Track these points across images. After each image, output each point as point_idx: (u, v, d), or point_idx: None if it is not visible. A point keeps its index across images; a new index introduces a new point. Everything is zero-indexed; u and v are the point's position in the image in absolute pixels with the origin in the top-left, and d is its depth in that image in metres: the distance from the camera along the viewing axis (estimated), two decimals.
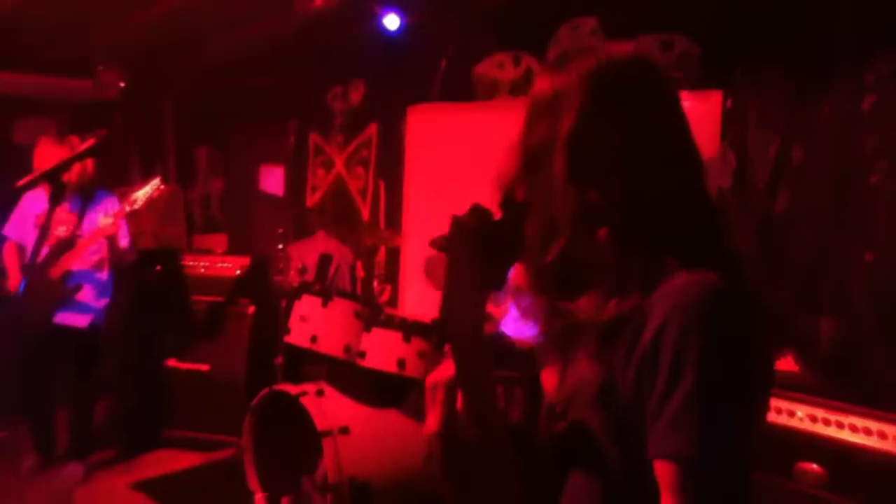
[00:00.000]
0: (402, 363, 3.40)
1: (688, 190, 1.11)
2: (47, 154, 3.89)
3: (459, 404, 1.15)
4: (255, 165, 6.07)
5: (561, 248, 1.08)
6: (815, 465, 2.39)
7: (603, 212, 1.07)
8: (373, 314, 3.62)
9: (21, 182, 2.17)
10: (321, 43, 5.02)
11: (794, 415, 2.47)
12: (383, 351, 3.45)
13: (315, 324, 3.64)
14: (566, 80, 1.12)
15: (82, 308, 4.11)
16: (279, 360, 4.18)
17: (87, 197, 4.15)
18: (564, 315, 1.11)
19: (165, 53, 5.42)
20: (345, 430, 3.28)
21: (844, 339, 3.04)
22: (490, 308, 2.65)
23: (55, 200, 2.35)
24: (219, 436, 4.53)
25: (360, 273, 4.91)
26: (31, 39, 4.93)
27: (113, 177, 5.94)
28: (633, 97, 1.10)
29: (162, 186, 4.06)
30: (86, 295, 4.12)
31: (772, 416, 2.49)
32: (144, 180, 4.28)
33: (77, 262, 4.05)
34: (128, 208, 3.97)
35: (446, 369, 1.15)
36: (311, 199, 5.61)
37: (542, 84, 1.16)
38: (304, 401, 3.34)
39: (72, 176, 4.02)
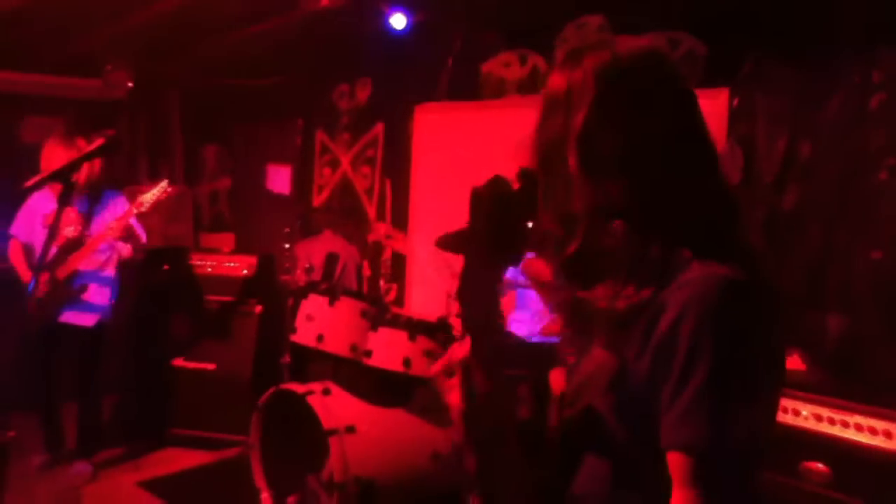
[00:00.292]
0: (407, 362, 3.41)
1: (701, 182, 1.11)
2: (54, 154, 3.91)
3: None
4: (262, 164, 6.08)
5: (581, 237, 1.10)
6: (820, 464, 2.39)
7: (617, 204, 1.08)
8: (379, 313, 3.63)
9: (29, 182, 2.19)
10: (328, 42, 5.03)
11: (799, 414, 2.46)
12: (389, 350, 3.45)
13: (321, 323, 3.65)
14: (579, 76, 1.12)
15: (89, 307, 4.13)
16: (286, 359, 4.19)
17: (95, 197, 4.17)
18: (581, 306, 1.12)
19: (173, 52, 5.44)
20: (351, 429, 3.29)
21: (851, 336, 3.03)
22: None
23: (63, 200, 2.36)
24: (225, 435, 4.55)
25: (367, 272, 4.92)
26: (38, 39, 4.95)
27: (120, 176, 5.98)
28: (645, 91, 1.10)
29: (169, 189, 4.07)
30: (93, 294, 4.14)
31: (777, 415, 2.48)
32: (152, 181, 4.30)
33: (84, 262, 4.07)
34: (135, 210, 3.98)
35: (460, 349, 1.17)
36: (318, 199, 5.62)
37: (556, 80, 1.17)
38: (311, 400, 3.35)
39: (80, 176, 4.04)
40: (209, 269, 5.03)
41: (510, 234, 1.12)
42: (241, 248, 5.76)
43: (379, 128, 5.17)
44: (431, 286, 4.48)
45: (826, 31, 3.09)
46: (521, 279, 3.34)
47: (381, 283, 4.50)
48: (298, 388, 3.47)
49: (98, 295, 4.16)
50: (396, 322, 3.51)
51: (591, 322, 1.13)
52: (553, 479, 1.18)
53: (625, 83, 1.10)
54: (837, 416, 2.41)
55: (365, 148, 5.26)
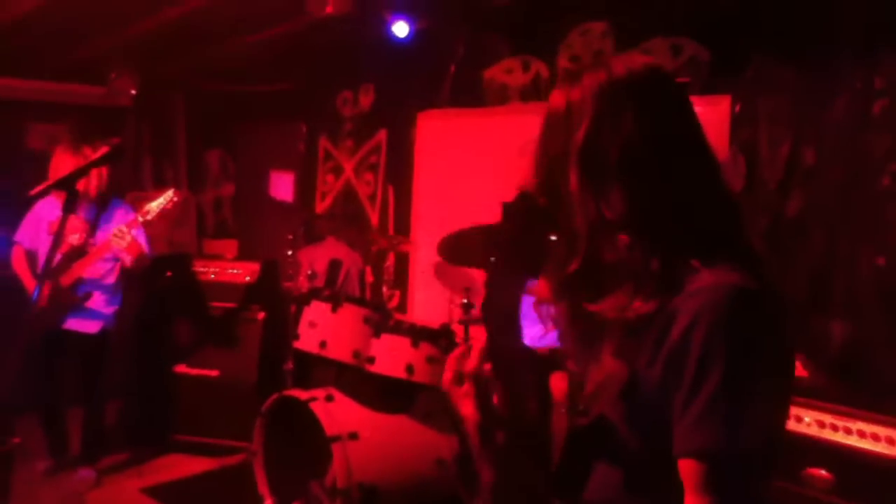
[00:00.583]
0: (410, 369, 3.41)
1: (704, 190, 1.12)
2: (63, 163, 3.92)
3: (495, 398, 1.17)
4: (265, 171, 6.10)
5: (582, 255, 1.11)
6: (823, 471, 2.38)
7: (620, 217, 1.10)
8: (382, 320, 3.63)
9: (35, 190, 2.20)
10: (331, 49, 5.04)
11: (802, 420, 2.46)
12: (392, 356, 3.46)
13: (324, 329, 3.65)
14: (578, 94, 1.15)
15: (93, 314, 4.15)
16: (289, 365, 4.20)
17: (100, 205, 4.19)
18: (588, 318, 1.13)
19: (177, 59, 5.46)
20: (354, 436, 3.30)
21: (854, 342, 3.03)
22: None
23: (68, 208, 2.38)
24: (229, 441, 4.55)
25: (370, 278, 4.93)
26: (43, 46, 4.97)
27: (125, 181, 6.01)
28: (643, 104, 1.12)
29: (176, 198, 4.07)
30: (96, 301, 4.15)
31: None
32: (157, 187, 4.31)
33: (88, 270, 4.09)
34: (141, 219, 3.99)
35: (470, 361, 1.18)
36: (321, 205, 5.63)
37: (556, 99, 1.19)
38: (314, 406, 3.36)
39: (90, 185, 4.07)
40: (212, 276, 5.04)
41: (536, 247, 1.13)
42: (244, 255, 5.77)
43: (382, 134, 5.18)
44: (434, 292, 4.49)
45: (828, 37, 3.10)
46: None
47: (384, 289, 4.50)
48: (301, 394, 3.47)
49: (102, 302, 4.18)
50: (399, 328, 3.51)
51: (598, 331, 1.14)
52: (565, 487, 1.18)
53: (623, 97, 1.12)
54: (840, 423, 2.40)
55: (368, 154, 5.27)
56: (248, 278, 5.02)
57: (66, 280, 4.06)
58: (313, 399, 3.41)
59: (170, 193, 4.07)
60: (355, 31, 4.54)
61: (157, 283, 5.10)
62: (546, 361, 1.30)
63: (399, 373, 3.42)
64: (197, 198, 6.49)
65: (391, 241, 4.40)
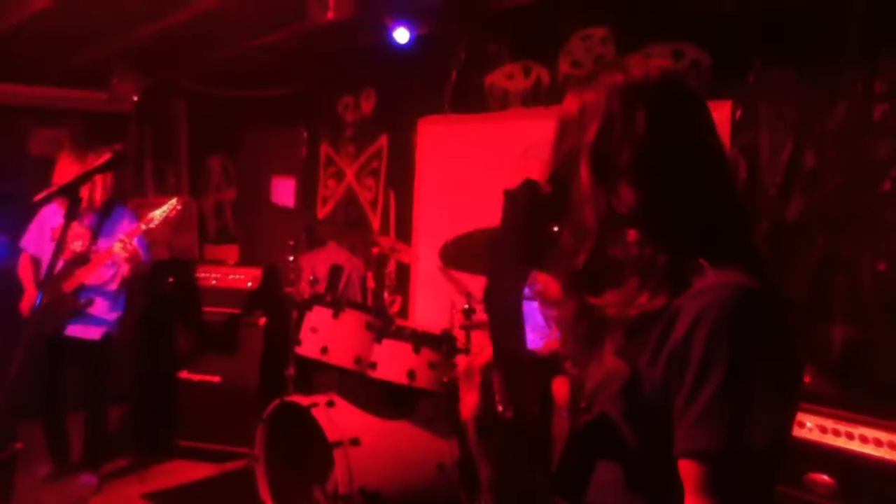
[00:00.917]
0: (412, 374, 3.41)
1: (713, 190, 1.13)
2: (67, 170, 3.94)
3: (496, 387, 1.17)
4: (267, 176, 6.10)
5: (590, 250, 1.11)
6: (825, 476, 2.38)
7: (630, 215, 1.10)
8: (383, 325, 3.63)
9: (39, 196, 2.20)
10: (333, 54, 5.06)
11: (804, 425, 2.46)
12: (394, 362, 3.46)
13: (326, 335, 3.66)
14: (591, 95, 1.16)
15: (95, 321, 4.15)
16: (290, 371, 4.20)
17: (103, 212, 4.19)
18: (592, 314, 1.13)
19: (179, 64, 5.47)
20: (356, 441, 3.30)
21: (856, 347, 3.03)
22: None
23: (71, 215, 2.38)
24: (230, 447, 4.55)
25: (371, 284, 4.93)
26: (45, 51, 4.99)
27: (128, 186, 6.02)
28: (655, 102, 1.13)
29: (179, 206, 4.09)
30: (99, 308, 4.15)
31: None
32: (159, 192, 4.31)
33: (91, 276, 4.09)
34: (143, 227, 4.00)
35: (482, 355, 1.18)
36: (322, 210, 5.64)
37: (570, 103, 1.20)
38: (315, 412, 3.36)
39: (95, 193, 4.08)
40: (214, 282, 5.05)
41: (539, 237, 1.13)
42: (245, 260, 5.78)
43: (383, 140, 5.19)
44: (436, 298, 4.48)
45: (829, 42, 3.10)
46: (528, 292, 3.34)
47: (386, 294, 4.51)
48: (303, 400, 3.48)
49: (104, 308, 4.18)
50: (401, 334, 3.52)
51: (601, 329, 1.14)
52: (565, 484, 1.18)
53: (638, 98, 1.13)
54: (843, 428, 2.40)
55: (369, 160, 5.28)
56: (249, 284, 5.02)
57: (68, 286, 4.06)
58: (315, 405, 3.41)
59: (173, 201, 4.08)
60: (357, 36, 4.55)
61: (160, 289, 5.11)
62: (548, 364, 1.30)
63: (401, 378, 3.42)
64: (199, 203, 6.50)
65: (392, 249, 4.40)
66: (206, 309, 4.94)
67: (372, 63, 4.98)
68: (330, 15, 3.80)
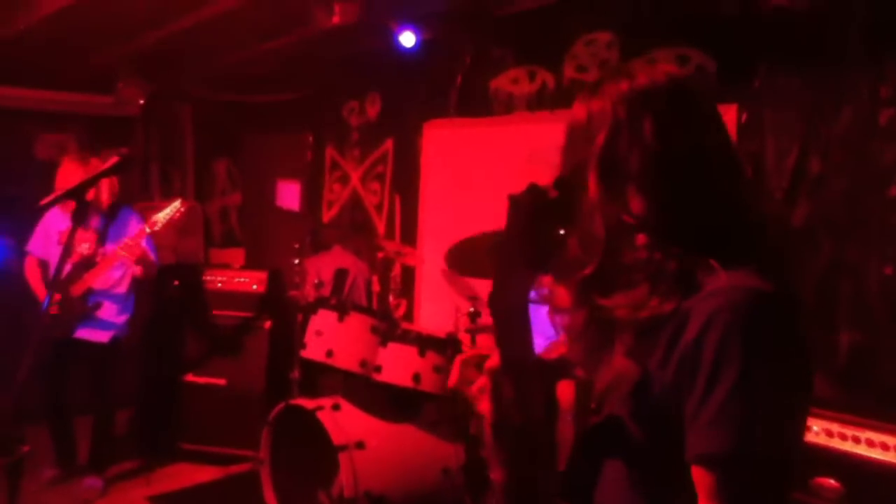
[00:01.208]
0: (417, 377, 3.41)
1: (723, 193, 1.13)
2: (70, 173, 3.95)
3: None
4: (272, 180, 6.12)
5: (600, 256, 1.11)
6: (832, 480, 2.37)
7: (638, 218, 1.10)
8: (388, 329, 3.64)
9: (45, 200, 2.22)
10: (338, 59, 5.07)
11: (810, 429, 2.45)
12: (399, 365, 3.46)
13: (331, 338, 3.66)
14: (599, 103, 1.16)
15: (103, 324, 4.16)
16: (295, 374, 4.20)
17: (110, 215, 4.21)
18: (601, 318, 1.13)
19: (184, 68, 5.49)
20: (361, 445, 3.30)
21: (862, 352, 3.02)
22: None
23: (78, 218, 2.40)
24: (236, 450, 4.56)
25: (376, 287, 4.93)
26: (51, 56, 5.01)
27: (133, 190, 6.03)
28: (664, 114, 1.13)
29: (183, 209, 4.10)
30: (107, 311, 4.17)
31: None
32: (165, 197, 4.33)
33: (99, 279, 4.10)
34: (148, 229, 4.01)
35: (492, 358, 1.18)
36: (328, 214, 5.65)
37: (578, 111, 1.20)
38: (321, 415, 3.37)
39: (101, 196, 4.10)
40: (219, 285, 5.06)
41: (545, 242, 1.13)
42: (251, 264, 5.79)
43: (388, 144, 5.20)
44: (441, 301, 4.49)
45: (834, 47, 3.10)
46: (534, 296, 3.33)
47: (391, 298, 4.51)
48: (308, 403, 3.48)
49: (113, 312, 4.20)
50: (406, 337, 3.52)
51: (610, 332, 1.13)
52: (574, 486, 1.18)
53: (641, 103, 1.13)
54: (849, 432, 2.39)
55: (375, 164, 5.29)
56: (255, 287, 5.03)
57: (76, 290, 4.08)
58: (320, 408, 3.42)
59: (177, 204, 4.10)
60: (362, 41, 4.56)
61: (166, 293, 5.12)
62: (554, 368, 1.30)
63: (406, 382, 3.43)
64: (204, 207, 6.52)
65: (397, 252, 4.40)
66: (213, 312, 4.95)
67: (377, 67, 4.99)
68: (335, 20, 3.81)
